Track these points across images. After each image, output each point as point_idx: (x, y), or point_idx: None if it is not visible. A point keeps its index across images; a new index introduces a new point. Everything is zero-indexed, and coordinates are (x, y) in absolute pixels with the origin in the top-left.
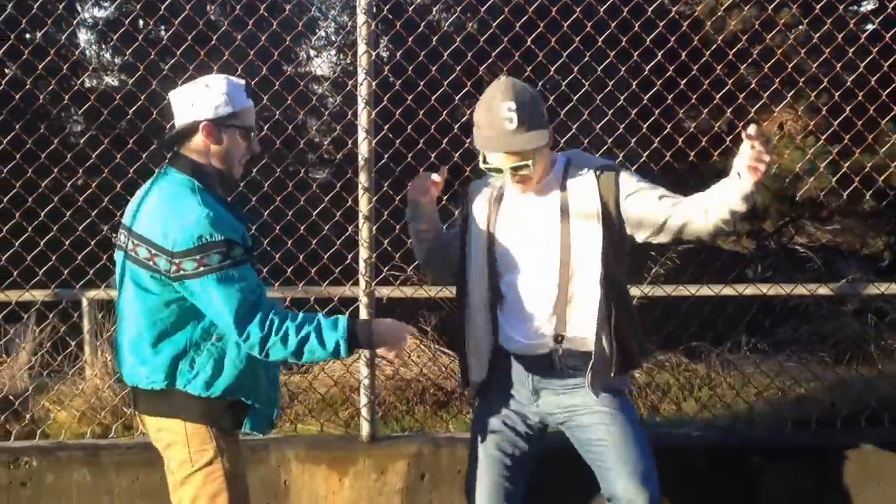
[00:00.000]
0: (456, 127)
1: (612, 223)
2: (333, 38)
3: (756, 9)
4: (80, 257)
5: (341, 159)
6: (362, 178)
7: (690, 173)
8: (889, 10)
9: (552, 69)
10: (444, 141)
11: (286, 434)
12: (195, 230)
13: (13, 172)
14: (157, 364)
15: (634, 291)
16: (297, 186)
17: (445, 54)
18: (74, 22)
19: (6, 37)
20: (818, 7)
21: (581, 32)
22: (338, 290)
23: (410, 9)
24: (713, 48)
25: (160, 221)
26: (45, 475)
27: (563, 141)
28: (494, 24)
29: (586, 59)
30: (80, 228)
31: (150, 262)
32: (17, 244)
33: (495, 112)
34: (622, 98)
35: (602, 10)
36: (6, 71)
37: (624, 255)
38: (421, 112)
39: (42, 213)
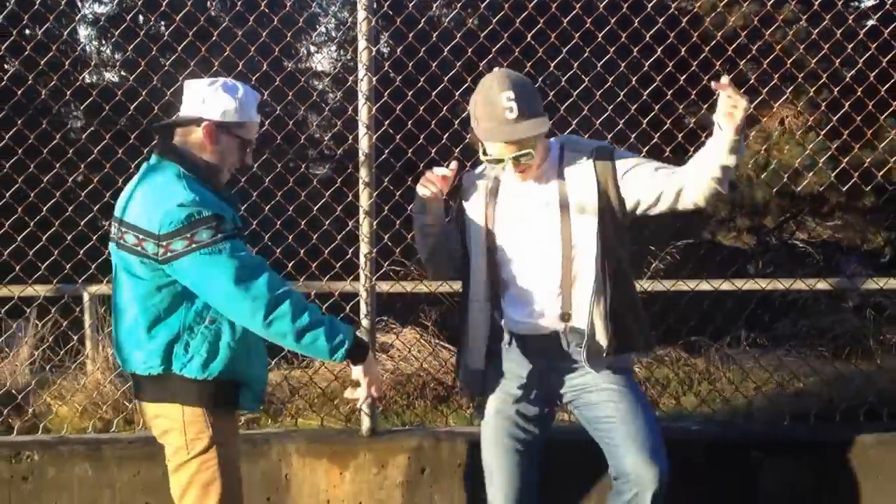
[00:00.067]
0: (456, 122)
1: (611, 203)
2: (334, 35)
3: (756, 4)
4: (81, 252)
5: (342, 155)
6: (363, 174)
7: None
8: (888, 5)
9: (552, 65)
10: (445, 136)
11: (287, 428)
12: (182, 211)
13: (15, 168)
14: (152, 349)
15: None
16: (297, 182)
17: (446, 50)
18: (76, 18)
19: (8, 33)
20: (817, 3)
21: (581, 28)
22: (338, 285)
23: (411, 5)
24: (713, 44)
25: (146, 207)
26: (46, 469)
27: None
28: (494, 20)
29: (586, 54)
30: (81, 224)
31: (139, 248)
32: (18, 239)
33: (495, 103)
34: (622, 94)
35: (602, 5)
36: (6, 67)
37: (624, 232)
38: (421, 108)
39: (44, 209)
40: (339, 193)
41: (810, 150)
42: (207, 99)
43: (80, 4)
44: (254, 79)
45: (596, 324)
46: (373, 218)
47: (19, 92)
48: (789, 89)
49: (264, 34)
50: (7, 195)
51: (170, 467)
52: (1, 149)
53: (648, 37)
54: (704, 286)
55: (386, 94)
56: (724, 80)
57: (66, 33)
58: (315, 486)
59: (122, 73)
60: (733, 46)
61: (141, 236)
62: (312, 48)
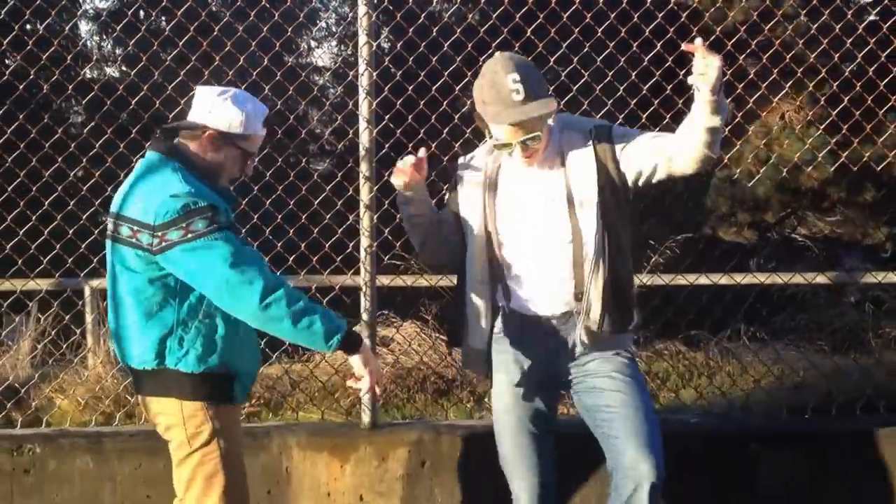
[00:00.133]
0: (456, 117)
1: (612, 179)
2: (334, 30)
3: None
4: (83, 246)
5: (342, 149)
6: (363, 168)
7: None
8: (886, 1)
9: (552, 60)
10: (445, 131)
11: (288, 422)
12: (177, 201)
13: (17, 162)
14: (146, 344)
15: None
16: (298, 176)
17: (446, 45)
18: (78, 13)
19: (10, 27)
20: None
21: (581, 23)
22: (339, 279)
23: (411, 0)
24: (712, 38)
25: (141, 199)
26: (48, 462)
27: None
28: (494, 15)
29: (586, 49)
30: (83, 218)
31: (133, 239)
32: (21, 233)
33: (501, 85)
34: (621, 89)
35: (601, 1)
36: (7, 62)
37: (624, 206)
38: (421, 102)
39: (46, 203)
40: (340, 187)
41: (809, 145)
42: (215, 108)
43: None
44: (254, 73)
45: (593, 299)
46: (373, 212)
47: (21, 86)
48: (788, 84)
49: (265, 29)
50: (9, 189)
51: (174, 461)
52: (3, 143)
53: (648, 31)
54: (703, 280)
55: (386, 88)
56: (698, 41)
57: (67, 28)
58: (316, 479)
59: (124, 68)
60: (733, 41)
61: (136, 228)
62: (313, 43)
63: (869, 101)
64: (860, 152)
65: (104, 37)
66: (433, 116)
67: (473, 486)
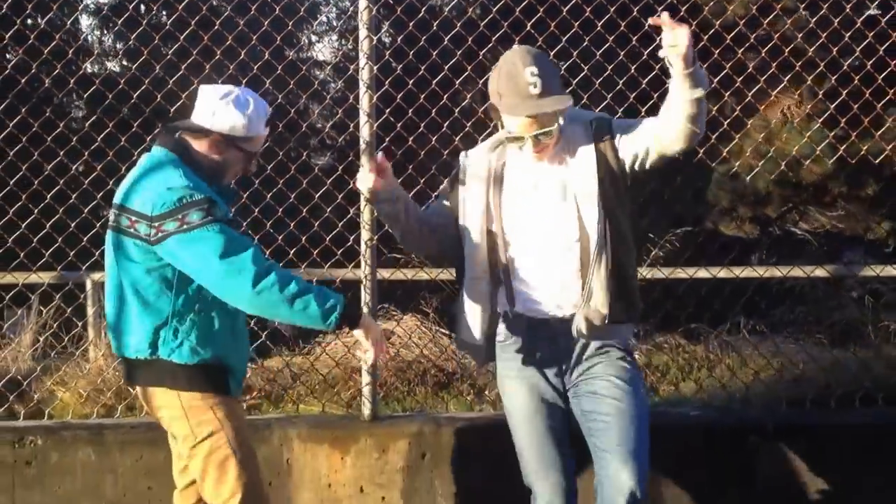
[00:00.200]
0: (456, 111)
1: (611, 169)
2: (335, 24)
3: None
4: (85, 240)
5: (343, 143)
6: (364, 161)
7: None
8: None
9: (551, 54)
10: (445, 124)
11: (288, 414)
12: (174, 193)
13: (19, 155)
14: (141, 333)
15: None
16: (299, 170)
17: (446, 39)
18: (79, 8)
19: (12, 22)
20: None
21: (580, 17)
22: (339, 272)
23: None
24: (711, 32)
25: (141, 190)
26: (49, 454)
27: None
28: (495, 10)
29: (585, 43)
30: (85, 211)
31: (132, 230)
32: (23, 226)
33: (519, 78)
34: (621, 82)
35: None
36: (8, 56)
37: (623, 194)
38: (422, 96)
39: (48, 196)
40: (341, 181)
41: (808, 138)
42: (218, 112)
43: None
44: (255, 68)
45: (595, 288)
46: (374, 205)
47: (23, 81)
48: (787, 77)
49: (266, 23)
50: (11, 183)
51: (182, 455)
52: (5, 137)
53: (647, 25)
54: (703, 274)
55: (387, 82)
56: (664, 15)
57: (68, 23)
58: (316, 471)
59: (125, 62)
60: (732, 35)
61: (134, 218)
62: (314, 37)
63: (867, 95)
64: (858, 146)
65: (105, 31)
66: (433, 110)
67: (473, 477)
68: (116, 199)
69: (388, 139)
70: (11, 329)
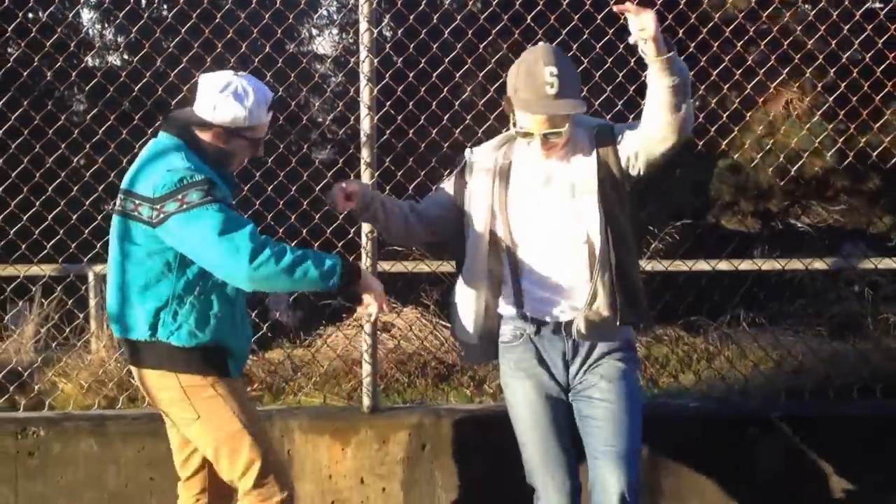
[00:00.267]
0: (457, 104)
1: (612, 173)
2: (335, 17)
3: None
4: (86, 232)
5: (344, 136)
6: (364, 154)
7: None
8: None
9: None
10: (445, 117)
11: (289, 406)
12: (174, 175)
13: (21, 148)
14: (141, 315)
15: None
16: (300, 162)
17: (446, 32)
18: (81, 1)
19: (14, 15)
20: None
21: (580, 10)
22: None
23: None
24: (710, 25)
25: (145, 174)
26: (52, 445)
27: None
28: (495, 3)
29: (585, 36)
30: (86, 203)
31: (135, 213)
32: (24, 219)
33: (537, 75)
34: (620, 75)
35: None
36: (10, 50)
37: (624, 194)
38: (422, 89)
39: (49, 189)
40: (342, 174)
41: (807, 130)
42: (218, 106)
43: None
44: (256, 61)
45: (599, 293)
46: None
47: (25, 74)
48: (797, 73)
49: (267, 16)
50: (13, 175)
51: (191, 437)
52: (7, 130)
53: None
54: (703, 266)
55: (387, 75)
56: (628, 3)
57: (70, 16)
58: (317, 462)
59: (126, 56)
60: (731, 27)
61: (138, 202)
62: (314, 31)
63: (865, 87)
64: (858, 139)
65: (106, 25)
66: (434, 103)
67: (473, 468)
68: (123, 184)
69: (388, 132)
70: (13, 321)
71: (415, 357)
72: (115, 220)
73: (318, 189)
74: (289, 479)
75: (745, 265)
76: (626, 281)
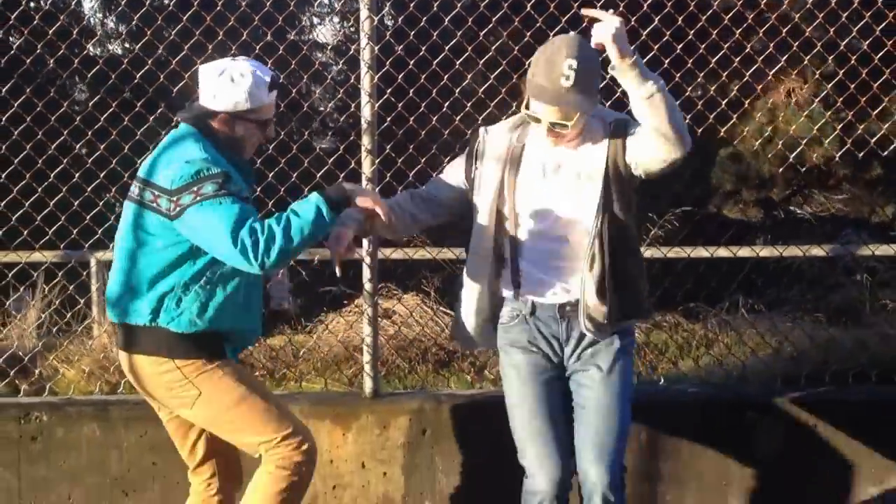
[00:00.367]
0: (457, 91)
1: (618, 169)
2: (336, 6)
3: None
4: (88, 218)
5: (345, 124)
6: (365, 141)
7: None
8: None
9: (551, 35)
10: (446, 104)
11: (291, 391)
12: (191, 167)
13: (23, 135)
14: (144, 300)
15: None
16: (301, 150)
17: (447, 20)
18: None
19: (17, 3)
20: None
21: None
22: None
23: None
24: (709, 13)
25: (162, 165)
26: (55, 430)
27: None
28: None
29: (584, 24)
30: (88, 190)
31: (154, 204)
32: (26, 205)
33: (556, 65)
34: None
35: None
36: (12, 38)
37: (628, 191)
38: (423, 76)
39: (51, 175)
40: (342, 161)
41: (806, 117)
42: (218, 94)
43: None
44: (257, 49)
45: (588, 289)
46: (375, 185)
47: (27, 61)
48: (797, 62)
49: (268, 4)
50: (15, 162)
51: (196, 419)
52: (9, 116)
53: (646, 6)
54: (702, 252)
55: (388, 63)
56: (592, 11)
57: (72, 4)
58: (318, 447)
59: (127, 44)
60: (730, 14)
61: (156, 192)
62: (315, 19)
63: (864, 75)
64: (857, 127)
65: (108, 13)
66: (434, 90)
67: (473, 453)
68: (141, 173)
69: (389, 119)
70: (15, 306)
71: (415, 343)
72: (130, 207)
73: (318, 176)
74: (308, 432)
75: (743, 252)
76: (622, 275)
